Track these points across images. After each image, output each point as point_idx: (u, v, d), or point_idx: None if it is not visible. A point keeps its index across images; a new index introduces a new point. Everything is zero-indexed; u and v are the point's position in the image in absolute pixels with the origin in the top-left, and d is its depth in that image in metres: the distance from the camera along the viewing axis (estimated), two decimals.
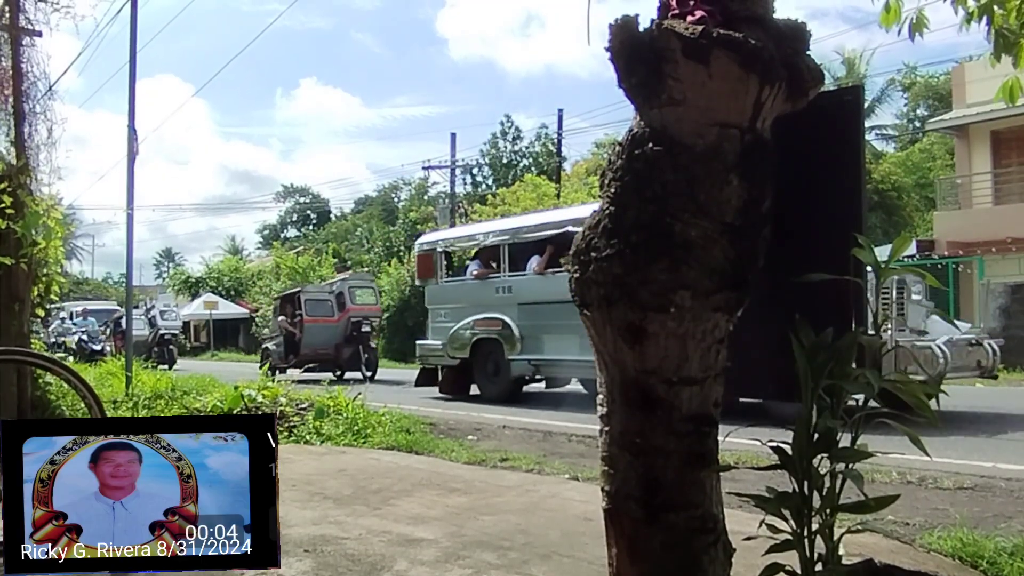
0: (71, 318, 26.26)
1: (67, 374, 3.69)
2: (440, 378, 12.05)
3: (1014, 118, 17.63)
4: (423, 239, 13.62)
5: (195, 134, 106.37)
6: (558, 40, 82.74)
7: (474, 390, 11.63)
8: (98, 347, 22.68)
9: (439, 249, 12.36)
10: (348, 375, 16.68)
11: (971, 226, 19.19)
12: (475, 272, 11.55)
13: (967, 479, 4.62)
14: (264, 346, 19.16)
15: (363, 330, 17.14)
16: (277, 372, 16.72)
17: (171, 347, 23.38)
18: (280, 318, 18.35)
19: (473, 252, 12.43)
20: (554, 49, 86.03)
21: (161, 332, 23.46)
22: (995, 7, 3.14)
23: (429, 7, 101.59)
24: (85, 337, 23.24)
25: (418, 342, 12.79)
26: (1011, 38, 3.18)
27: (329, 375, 16.17)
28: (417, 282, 15.34)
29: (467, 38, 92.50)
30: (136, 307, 21.39)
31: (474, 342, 11.22)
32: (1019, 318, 14.39)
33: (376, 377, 16.65)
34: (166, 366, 20.08)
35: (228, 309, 36.76)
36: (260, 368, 17.17)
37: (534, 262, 10.56)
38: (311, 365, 17.56)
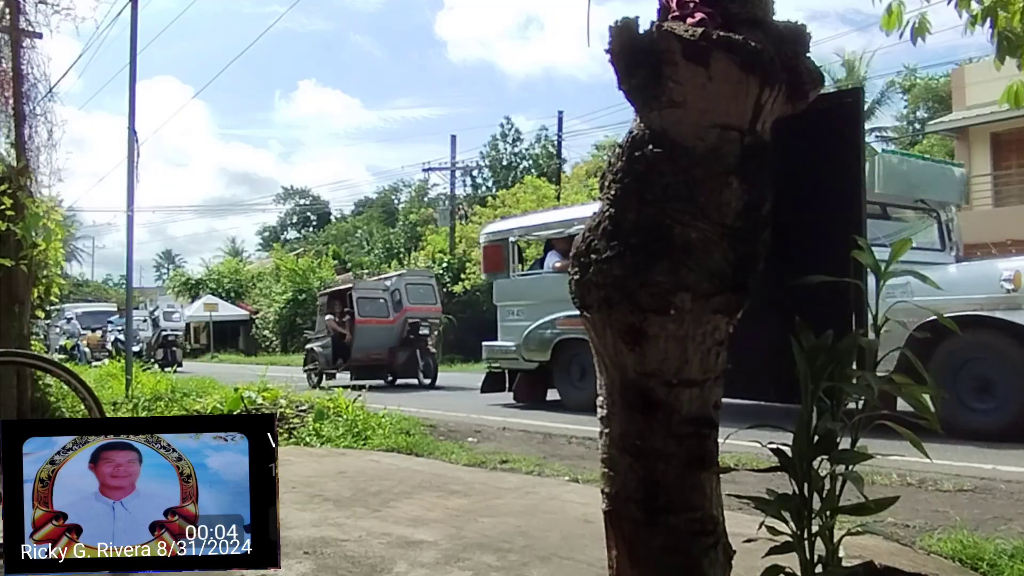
0: (74, 319, 25.40)
1: (67, 376, 3.69)
2: (511, 383, 10.71)
3: (1014, 120, 17.63)
4: (491, 228, 12.03)
5: (194, 136, 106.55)
6: (557, 42, 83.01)
7: (552, 394, 10.41)
8: (136, 348, 20.36)
9: (511, 239, 10.89)
10: (401, 382, 15.48)
11: (971, 228, 19.07)
12: (557, 264, 10.03)
13: (967, 481, 4.62)
14: (308, 347, 16.93)
15: (421, 332, 15.44)
16: (324, 377, 15.53)
17: (175, 348, 22.58)
18: (327, 317, 16.21)
19: (545, 242, 11.04)
20: (553, 51, 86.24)
21: (165, 333, 22.66)
22: (999, 10, 3.14)
23: (428, 10, 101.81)
24: (124, 337, 22.13)
25: (484, 343, 11.42)
26: (1015, 41, 3.18)
27: (375, 381, 14.85)
28: (483, 276, 13.84)
29: (466, 40, 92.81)
30: (136, 308, 21.19)
31: (556, 343, 9.86)
32: None
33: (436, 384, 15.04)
34: (170, 368, 19.13)
35: (228, 311, 36.79)
36: (304, 371, 15.98)
37: (554, 257, 9.49)
38: (360, 370, 15.42)
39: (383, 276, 18.78)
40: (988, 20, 3.17)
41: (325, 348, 15.82)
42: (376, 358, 15.57)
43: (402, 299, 15.89)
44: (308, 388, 12.83)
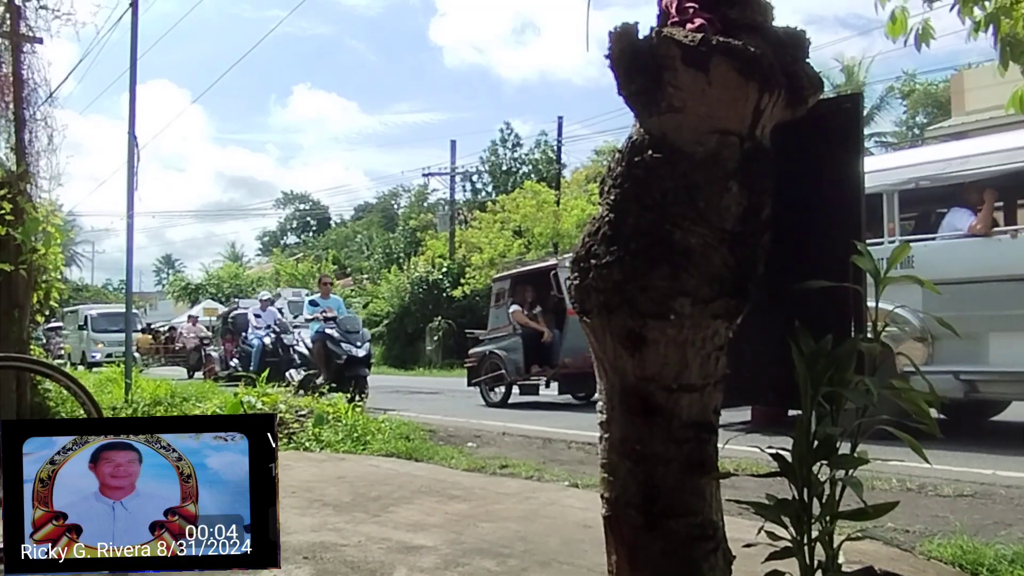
0: (279, 307, 17.42)
1: (66, 380, 3.70)
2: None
3: (1012, 125, 17.65)
4: None
5: (191, 140, 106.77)
6: (553, 47, 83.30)
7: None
8: (361, 352, 10.94)
9: None
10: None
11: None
12: None
13: (967, 486, 4.62)
14: (480, 351, 12.06)
15: None
16: (512, 390, 11.46)
17: (357, 364, 11.21)
18: (512, 309, 11.53)
19: None
20: (549, 56, 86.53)
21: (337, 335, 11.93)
22: (1002, 16, 3.15)
23: (421, 16, 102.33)
24: (335, 334, 11.37)
25: None
26: (1018, 47, 3.19)
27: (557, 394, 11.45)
28: None
29: (460, 46, 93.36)
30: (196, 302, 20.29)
31: None
32: None
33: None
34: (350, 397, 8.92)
35: None
36: (473, 383, 11.88)
37: (965, 217, 6.81)
38: (569, 380, 11.22)
39: None
40: (991, 26, 3.18)
41: (512, 352, 11.33)
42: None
43: None
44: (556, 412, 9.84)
